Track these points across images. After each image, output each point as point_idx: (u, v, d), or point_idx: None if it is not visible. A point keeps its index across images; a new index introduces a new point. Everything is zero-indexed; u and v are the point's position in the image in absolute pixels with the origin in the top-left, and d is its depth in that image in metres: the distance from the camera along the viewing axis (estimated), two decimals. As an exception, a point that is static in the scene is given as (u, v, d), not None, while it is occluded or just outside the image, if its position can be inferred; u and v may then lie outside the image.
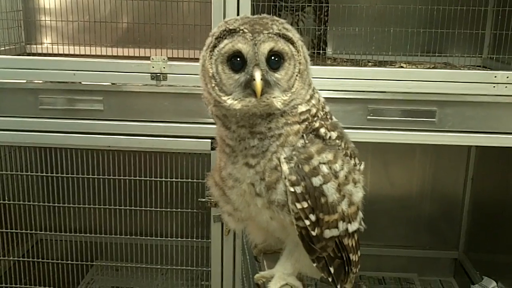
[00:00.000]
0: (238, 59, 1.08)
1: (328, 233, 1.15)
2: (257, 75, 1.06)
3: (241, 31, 1.08)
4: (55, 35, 2.78)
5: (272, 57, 1.09)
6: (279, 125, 1.11)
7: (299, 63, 1.12)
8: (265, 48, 1.07)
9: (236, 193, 1.18)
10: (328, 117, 1.21)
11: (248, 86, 1.07)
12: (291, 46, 1.11)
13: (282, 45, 1.09)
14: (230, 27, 1.08)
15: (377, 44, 2.49)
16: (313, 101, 1.16)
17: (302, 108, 1.13)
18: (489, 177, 2.95)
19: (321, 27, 2.56)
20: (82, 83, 2.26)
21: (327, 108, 1.22)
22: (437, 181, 3.13)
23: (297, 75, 1.12)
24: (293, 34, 1.12)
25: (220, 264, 2.40)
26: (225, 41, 1.08)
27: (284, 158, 1.11)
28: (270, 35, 1.08)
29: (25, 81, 2.29)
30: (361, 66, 2.39)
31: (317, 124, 1.15)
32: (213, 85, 1.10)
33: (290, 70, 1.11)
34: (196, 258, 2.61)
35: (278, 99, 1.09)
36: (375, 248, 3.13)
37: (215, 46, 1.10)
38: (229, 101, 1.08)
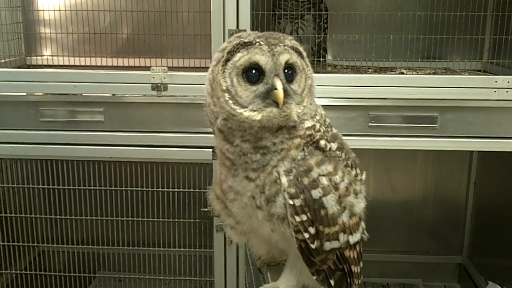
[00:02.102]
0: (254, 71, 1.09)
1: (328, 246, 1.15)
2: (279, 84, 1.07)
3: (257, 43, 1.09)
4: (55, 46, 2.78)
5: (286, 70, 1.10)
6: (284, 140, 1.11)
7: (308, 77, 1.15)
8: (283, 59, 1.09)
9: (237, 206, 1.18)
10: (329, 129, 1.21)
11: (267, 97, 1.08)
12: (301, 60, 1.13)
13: (295, 58, 1.12)
14: (245, 40, 1.09)
15: (377, 51, 2.49)
16: (317, 117, 1.18)
17: (308, 123, 1.14)
18: (491, 181, 2.94)
19: (321, 34, 2.56)
20: (83, 94, 2.26)
21: (328, 121, 1.23)
22: (439, 186, 3.12)
23: (307, 89, 1.14)
24: (303, 49, 1.15)
25: (223, 274, 2.39)
26: (239, 54, 1.09)
27: (284, 170, 1.11)
28: (285, 47, 1.10)
29: (25, 93, 2.29)
30: (362, 73, 2.39)
31: (317, 136, 1.15)
32: (227, 98, 1.09)
33: (302, 83, 1.13)
34: (199, 268, 2.61)
35: (295, 111, 1.10)
36: (379, 254, 3.11)
37: (227, 60, 1.10)
38: (246, 113, 1.08)
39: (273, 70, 1.08)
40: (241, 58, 1.09)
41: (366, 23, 2.47)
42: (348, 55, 2.54)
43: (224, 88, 1.09)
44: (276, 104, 1.07)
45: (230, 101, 1.09)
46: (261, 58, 1.08)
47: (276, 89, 1.06)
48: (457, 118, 2.18)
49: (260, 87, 1.08)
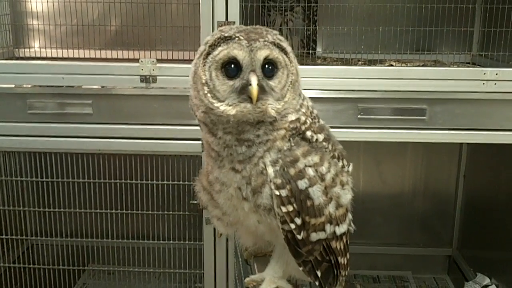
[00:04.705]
0: (233, 65, 1.08)
1: (314, 236, 1.15)
2: (253, 80, 1.06)
3: (236, 38, 1.08)
4: (43, 38, 2.76)
5: (266, 65, 1.09)
6: (267, 132, 1.10)
7: (292, 73, 1.13)
8: (261, 55, 1.08)
9: (223, 197, 1.18)
10: (316, 120, 1.21)
11: (243, 92, 1.07)
12: (284, 56, 1.12)
13: (276, 54, 1.10)
14: (226, 35, 1.09)
15: (367, 43, 2.48)
16: (303, 110, 1.17)
17: (292, 117, 1.14)
18: (481, 173, 2.96)
19: (311, 26, 2.56)
20: (71, 86, 2.24)
21: (315, 112, 1.22)
22: (429, 178, 3.13)
23: (289, 85, 1.13)
24: (286, 45, 1.13)
25: (213, 266, 2.39)
26: (220, 48, 1.09)
27: (270, 161, 1.10)
28: (265, 43, 1.09)
29: (13, 85, 2.27)
30: (351, 65, 2.39)
31: (303, 128, 1.15)
32: (206, 92, 1.09)
33: (283, 79, 1.12)
34: (189, 260, 2.60)
35: (272, 107, 1.09)
36: (369, 246, 3.13)
37: (208, 54, 1.10)
38: (222, 107, 1.08)
39: (249, 66, 1.07)
40: (221, 52, 1.08)
41: (356, 15, 2.47)
42: (337, 48, 2.54)
43: (203, 81, 1.10)
44: (250, 99, 1.06)
45: (209, 95, 1.09)
46: (239, 53, 1.07)
47: (250, 85, 1.06)
48: (446, 110, 2.18)
49: (237, 82, 1.08)
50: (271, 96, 1.09)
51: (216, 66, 1.09)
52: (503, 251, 2.66)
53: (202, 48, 1.12)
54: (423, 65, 2.41)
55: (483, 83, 2.13)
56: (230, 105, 1.07)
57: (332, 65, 2.48)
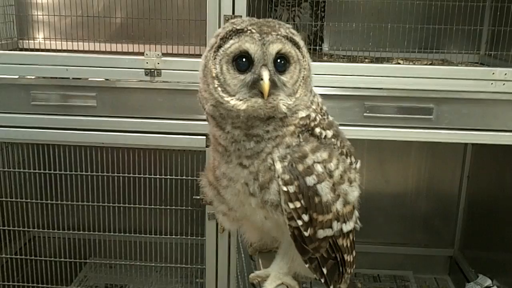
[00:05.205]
0: (244, 59, 1.06)
1: (321, 233, 1.13)
2: (265, 74, 1.04)
3: (248, 31, 1.06)
4: (48, 30, 2.74)
5: (279, 60, 1.07)
6: (277, 128, 1.09)
7: (304, 68, 1.11)
8: (274, 49, 1.06)
9: (230, 193, 1.17)
10: (325, 117, 1.19)
11: (254, 87, 1.05)
12: (297, 51, 1.10)
13: (289, 48, 1.08)
14: (238, 27, 1.07)
15: (374, 41, 2.47)
16: (314, 106, 1.15)
17: (303, 113, 1.12)
18: (485, 175, 2.94)
19: (318, 22, 2.54)
20: (75, 78, 2.23)
21: (324, 108, 1.21)
22: (433, 178, 3.11)
23: (301, 81, 1.11)
24: (299, 39, 1.11)
25: (214, 261, 2.38)
26: (231, 41, 1.07)
27: (278, 156, 1.09)
28: (278, 36, 1.07)
29: (17, 76, 2.26)
30: (358, 63, 2.37)
31: (312, 125, 1.13)
32: (216, 85, 1.07)
33: (295, 74, 1.10)
34: (190, 255, 2.60)
35: (284, 102, 1.07)
36: (371, 245, 3.11)
37: (219, 46, 1.08)
38: (232, 101, 1.06)
39: (261, 60, 1.05)
40: (232, 45, 1.06)
41: (364, 12, 2.46)
42: (344, 45, 2.52)
43: (214, 75, 1.08)
44: (262, 94, 1.04)
45: (219, 89, 1.07)
46: (251, 46, 1.05)
47: (262, 79, 1.04)
48: (453, 110, 2.16)
49: (248, 76, 1.06)
50: (282, 91, 1.08)
51: (227, 59, 1.07)
52: (505, 253, 2.65)
53: (213, 40, 1.10)
54: (430, 64, 2.40)
55: (492, 83, 2.11)
56: (240, 100, 1.06)
57: (339, 62, 2.46)
